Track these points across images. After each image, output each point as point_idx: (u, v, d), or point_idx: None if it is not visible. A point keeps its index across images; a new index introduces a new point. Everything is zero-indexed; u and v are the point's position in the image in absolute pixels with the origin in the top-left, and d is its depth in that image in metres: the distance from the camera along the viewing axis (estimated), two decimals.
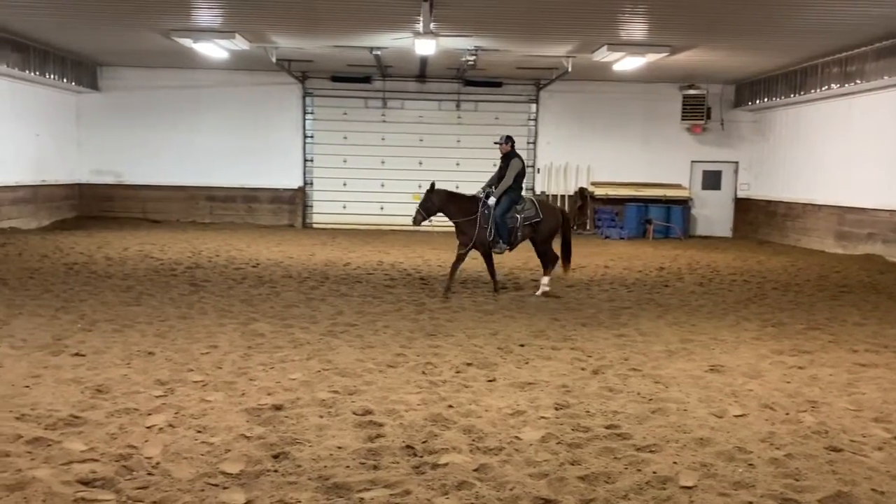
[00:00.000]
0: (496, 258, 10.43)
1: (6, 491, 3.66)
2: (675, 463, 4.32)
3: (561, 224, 10.44)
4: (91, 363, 6.11)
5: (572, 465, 4.27)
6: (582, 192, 20.98)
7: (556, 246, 10.54)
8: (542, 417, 5.05)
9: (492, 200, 9.99)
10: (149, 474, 3.95)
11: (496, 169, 10.43)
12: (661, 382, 6.01)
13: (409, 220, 10.29)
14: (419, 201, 10.15)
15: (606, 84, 20.25)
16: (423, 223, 10.06)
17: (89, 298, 8.98)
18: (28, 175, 18.39)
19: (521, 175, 10.14)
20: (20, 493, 3.64)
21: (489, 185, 10.23)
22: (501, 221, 9.97)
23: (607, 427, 4.90)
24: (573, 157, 21.05)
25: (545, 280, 10.25)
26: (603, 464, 4.28)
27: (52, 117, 19.47)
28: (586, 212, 21.04)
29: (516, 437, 4.66)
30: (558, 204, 21.00)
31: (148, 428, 4.61)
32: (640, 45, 14.84)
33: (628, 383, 5.96)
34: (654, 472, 4.15)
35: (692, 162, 21.23)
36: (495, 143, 10.41)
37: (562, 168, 21.11)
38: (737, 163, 21.28)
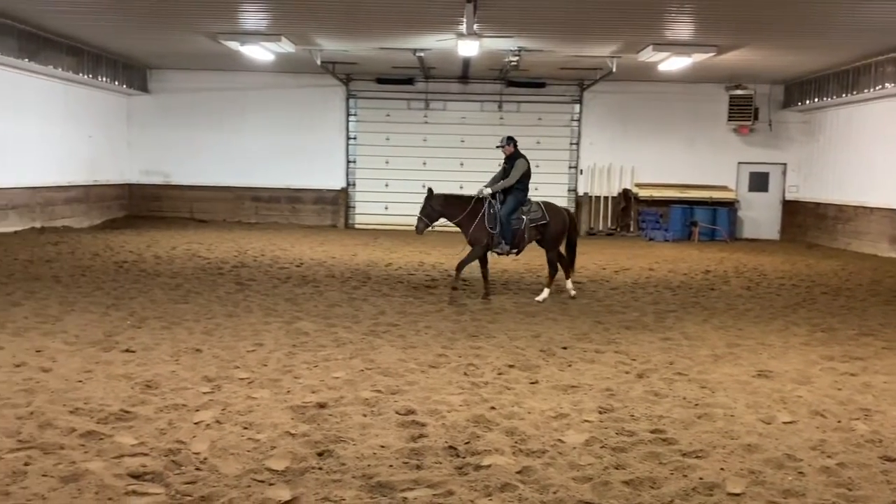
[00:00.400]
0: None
1: (61, 482, 3.77)
2: (722, 469, 4.25)
3: (567, 226, 10.17)
4: (141, 359, 6.25)
5: (617, 469, 4.22)
6: (626, 194, 20.77)
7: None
8: (586, 421, 5.01)
9: (487, 191, 9.82)
10: (197, 469, 4.02)
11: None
12: (707, 387, 5.92)
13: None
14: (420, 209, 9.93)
15: (651, 84, 20.02)
16: (425, 231, 9.97)
17: (139, 296, 9.19)
18: (81, 175, 18.92)
19: (526, 175, 9.91)
20: (74, 484, 3.75)
21: (488, 185, 10.02)
22: (507, 221, 9.77)
23: (652, 432, 4.84)
24: (617, 158, 20.86)
25: (545, 293, 9.92)
26: (648, 469, 4.23)
27: (103, 119, 20.00)
28: (630, 213, 20.82)
29: (559, 440, 4.63)
30: (601, 206, 20.88)
31: (196, 424, 4.69)
32: (686, 45, 14.62)
33: (674, 388, 5.88)
34: (701, 479, 4.09)
35: (739, 163, 20.84)
36: (497, 146, 10.21)
37: (605, 169, 20.92)
38: (785, 164, 20.82)
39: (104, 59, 18.15)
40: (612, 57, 16.32)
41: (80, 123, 18.76)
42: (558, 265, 10.22)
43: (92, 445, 4.29)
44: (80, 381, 5.56)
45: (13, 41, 14.55)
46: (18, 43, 14.72)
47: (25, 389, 5.30)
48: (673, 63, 15.94)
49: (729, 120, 20.25)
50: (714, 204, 20.22)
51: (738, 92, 20.01)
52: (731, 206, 20.43)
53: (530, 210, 9.92)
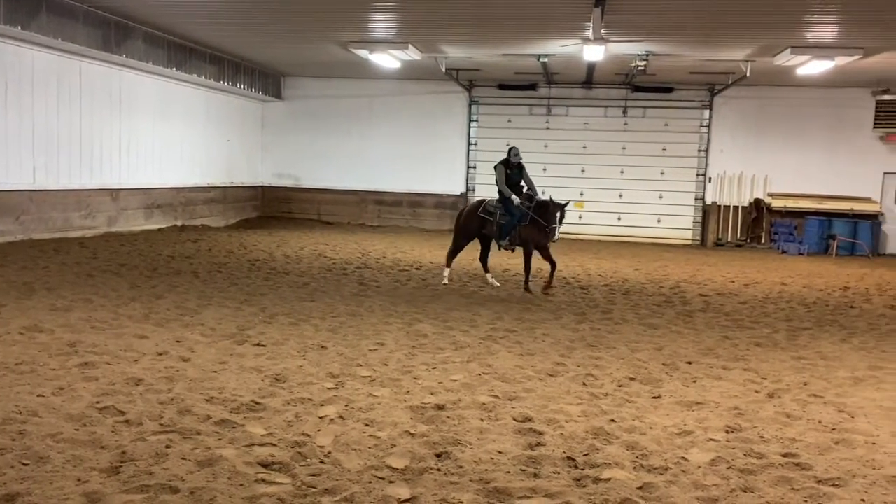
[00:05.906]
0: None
1: (198, 466, 4.00)
2: (862, 500, 3.96)
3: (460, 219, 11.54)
4: (270, 353, 6.55)
5: (745, 492, 4.02)
6: (757, 204, 19.82)
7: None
8: (712, 440, 4.80)
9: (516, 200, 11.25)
10: (321, 462, 4.16)
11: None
12: (845, 412, 5.54)
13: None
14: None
15: (788, 89, 19.04)
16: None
17: (269, 293, 9.65)
18: (219, 177, 20.12)
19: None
20: (209, 469, 3.97)
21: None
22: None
23: (784, 455, 4.58)
24: (748, 166, 19.96)
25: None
26: (779, 494, 4.00)
27: (240, 124, 21.19)
28: (762, 224, 19.86)
29: (683, 457, 4.47)
30: (731, 215, 20.03)
31: (321, 418, 4.87)
32: (828, 48, 13.80)
33: (808, 410, 5.54)
34: None
35: (885, 174, 19.41)
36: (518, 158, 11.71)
37: (736, 177, 20.05)
38: None
39: (243, 67, 19.22)
40: (747, 61, 15.64)
41: (219, 128, 19.97)
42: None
43: (225, 433, 4.53)
44: (216, 372, 5.89)
45: (163, 51, 15.67)
46: (167, 53, 15.84)
47: (167, 377, 5.67)
48: (813, 67, 15.06)
49: (875, 127, 18.97)
50: (855, 216, 18.94)
51: (887, 97, 18.68)
52: (874, 218, 19.05)
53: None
